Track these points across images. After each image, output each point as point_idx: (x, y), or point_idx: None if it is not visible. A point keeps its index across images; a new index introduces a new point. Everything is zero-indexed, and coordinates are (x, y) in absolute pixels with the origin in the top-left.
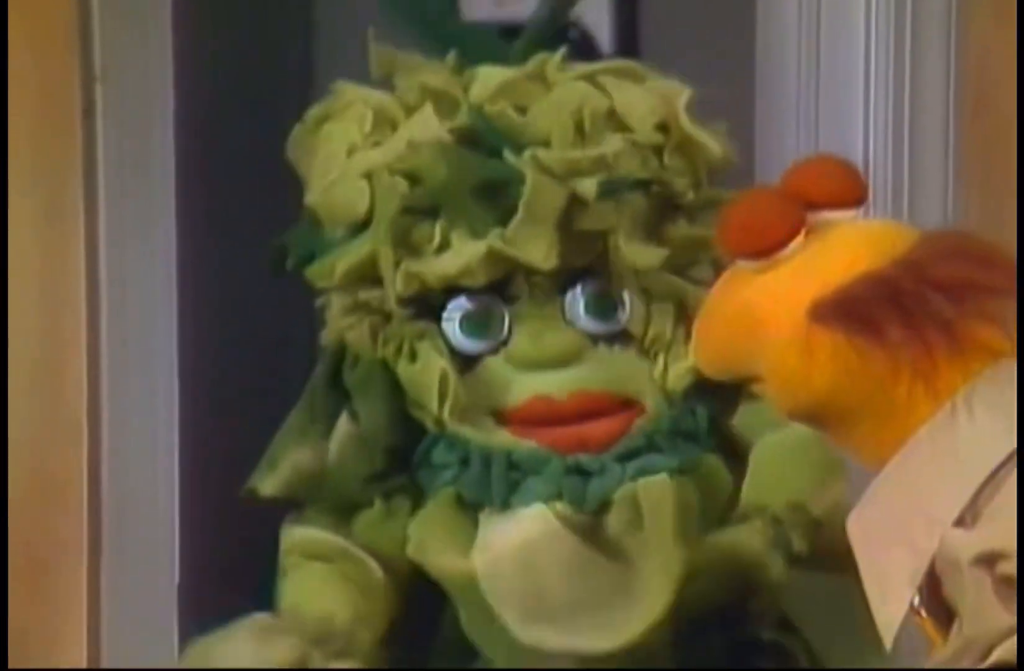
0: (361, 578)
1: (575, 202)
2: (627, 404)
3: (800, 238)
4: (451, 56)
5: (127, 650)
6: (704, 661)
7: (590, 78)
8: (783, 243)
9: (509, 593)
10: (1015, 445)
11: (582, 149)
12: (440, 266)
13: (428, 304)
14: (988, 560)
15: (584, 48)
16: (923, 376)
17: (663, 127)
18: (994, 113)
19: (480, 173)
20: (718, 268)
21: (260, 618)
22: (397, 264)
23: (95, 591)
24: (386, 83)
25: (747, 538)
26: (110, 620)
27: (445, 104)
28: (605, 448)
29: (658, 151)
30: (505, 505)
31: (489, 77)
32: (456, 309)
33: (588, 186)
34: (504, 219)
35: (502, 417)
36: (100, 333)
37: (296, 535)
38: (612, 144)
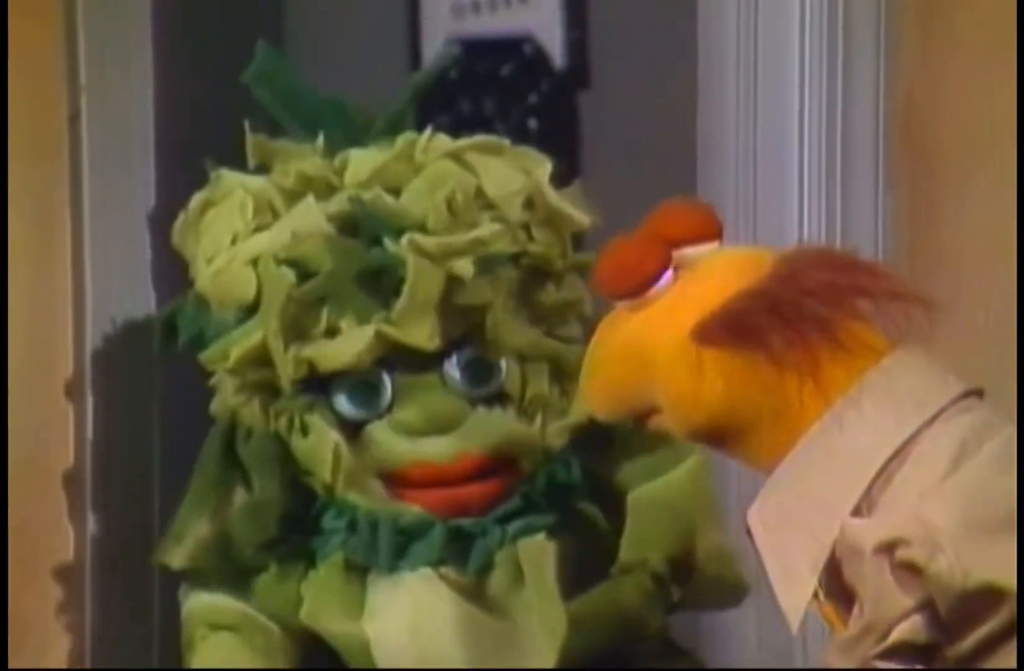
0: (266, 645)
1: (452, 281)
2: (507, 464)
3: (670, 273)
4: (319, 140)
5: (113, 636)
6: None
7: (456, 157)
8: (652, 279)
9: (400, 659)
10: (905, 437)
11: (455, 230)
12: (332, 354)
13: (314, 378)
14: (888, 547)
15: (537, 64)
16: (810, 377)
17: (529, 202)
18: (922, 125)
19: (363, 261)
20: (585, 326)
21: None
22: (286, 349)
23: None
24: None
25: (628, 593)
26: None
27: (321, 190)
28: (485, 511)
29: (525, 225)
30: (393, 569)
31: (362, 162)
32: (341, 382)
33: (465, 266)
34: (386, 302)
35: (388, 480)
36: (85, 338)
37: (198, 603)
38: (488, 227)
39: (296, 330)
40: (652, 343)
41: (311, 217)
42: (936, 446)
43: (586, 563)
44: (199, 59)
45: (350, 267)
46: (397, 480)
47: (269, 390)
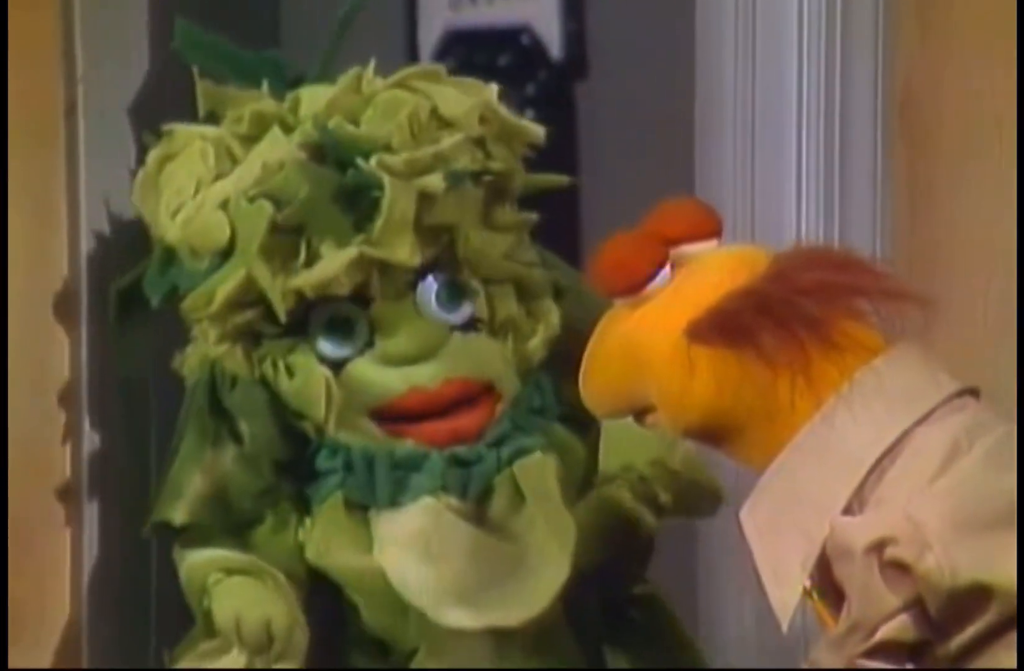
0: (277, 587)
1: (423, 199)
2: (488, 388)
3: (666, 271)
4: (264, 84)
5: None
6: (583, 617)
7: (403, 85)
8: (649, 277)
9: (418, 583)
10: (896, 436)
11: (419, 149)
12: (315, 275)
13: (292, 321)
14: (878, 546)
15: (535, 54)
16: (801, 376)
17: (483, 119)
18: (920, 115)
19: (338, 184)
20: (540, 249)
21: (202, 646)
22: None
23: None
24: (212, 117)
25: (618, 495)
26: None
27: (282, 127)
28: (477, 437)
29: (480, 143)
30: (393, 503)
31: (314, 96)
32: (319, 320)
33: (435, 181)
34: (360, 225)
35: (380, 414)
36: (81, 327)
37: (199, 557)
38: (449, 140)
39: (277, 262)
40: (646, 341)
41: (280, 147)
42: (928, 445)
43: (570, 484)
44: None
45: (326, 190)
46: (387, 413)
47: (250, 336)
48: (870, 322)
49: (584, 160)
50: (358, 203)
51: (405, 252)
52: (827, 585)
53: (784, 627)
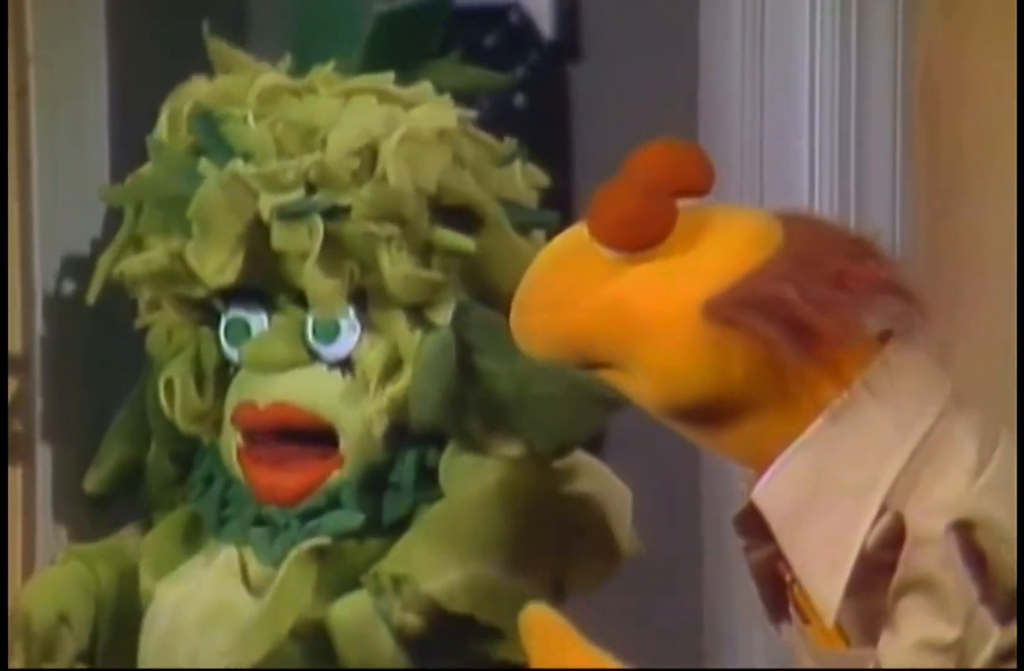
0: (101, 582)
1: (257, 222)
2: (326, 444)
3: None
4: (288, 58)
5: None
6: None
7: (346, 95)
8: (663, 237)
9: (156, 623)
10: (929, 424)
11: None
12: (130, 264)
13: (214, 312)
14: (960, 528)
15: (524, 34)
16: (830, 367)
17: (371, 152)
18: (939, 107)
19: (172, 183)
20: (459, 310)
21: None
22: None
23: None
24: None
25: (348, 607)
26: None
27: (235, 105)
28: (295, 501)
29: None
30: (217, 537)
31: (258, 83)
32: (225, 317)
33: (266, 205)
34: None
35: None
36: (35, 319)
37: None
38: (301, 162)
39: (137, 240)
40: (646, 309)
41: (160, 128)
42: (958, 439)
43: None
44: (156, 26)
45: (160, 182)
46: (239, 428)
47: (177, 316)
48: (882, 312)
49: (577, 148)
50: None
51: (212, 268)
52: (855, 586)
53: (829, 621)
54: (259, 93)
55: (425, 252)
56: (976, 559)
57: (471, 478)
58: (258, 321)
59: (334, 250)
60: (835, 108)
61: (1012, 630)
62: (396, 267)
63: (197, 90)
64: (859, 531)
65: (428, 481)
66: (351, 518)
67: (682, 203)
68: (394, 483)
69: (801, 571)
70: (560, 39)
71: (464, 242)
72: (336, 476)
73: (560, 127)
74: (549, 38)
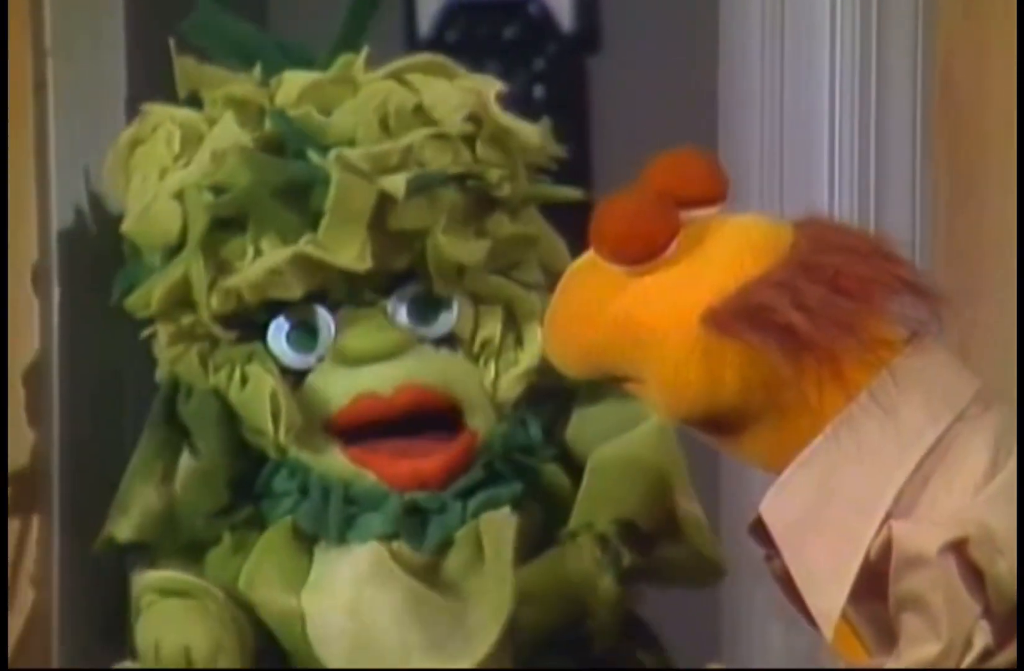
0: (219, 610)
1: (386, 201)
2: (456, 421)
3: (677, 240)
4: (257, 68)
5: None
6: None
7: (397, 76)
8: (665, 248)
9: (336, 639)
10: (938, 434)
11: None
12: (249, 274)
13: (253, 325)
14: (954, 548)
15: (543, 26)
16: (831, 375)
17: (474, 119)
18: (958, 106)
19: (284, 175)
20: (547, 271)
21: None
22: (213, 282)
23: None
24: (196, 99)
25: (573, 559)
26: None
27: (251, 114)
28: (444, 482)
29: (471, 144)
30: (341, 539)
31: (293, 82)
32: (280, 325)
33: (396, 183)
34: (316, 224)
35: (338, 431)
36: (52, 308)
37: (148, 578)
38: (415, 136)
39: (221, 260)
40: (650, 321)
41: (229, 135)
42: (973, 444)
43: (551, 531)
44: (173, 21)
45: (269, 181)
46: (343, 427)
47: (206, 339)
48: (892, 315)
49: (596, 140)
50: (310, 199)
51: (351, 255)
52: (863, 595)
53: (828, 634)
54: (304, 90)
55: (513, 210)
56: (974, 574)
57: (621, 424)
58: (324, 321)
59: (451, 220)
60: (855, 104)
61: (1012, 647)
62: (503, 228)
63: (169, 114)
64: (860, 545)
65: (548, 442)
66: (513, 485)
67: (698, 213)
68: (521, 446)
69: (802, 585)
70: (579, 31)
71: (572, 192)
72: (479, 449)
73: (578, 119)
74: (568, 30)
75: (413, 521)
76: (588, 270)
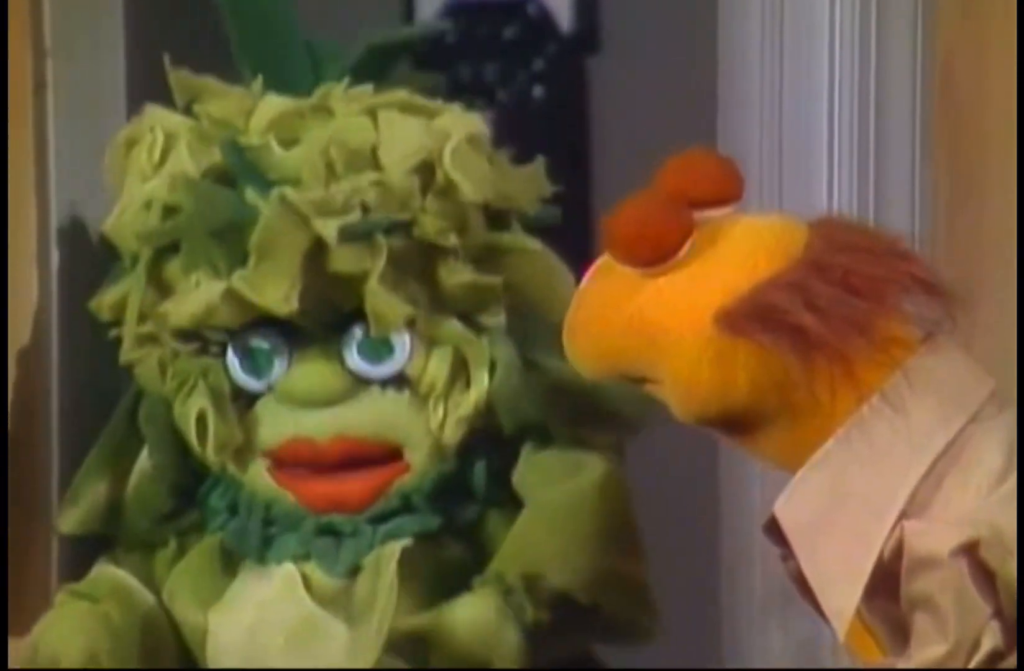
0: (124, 623)
1: (324, 243)
2: (392, 456)
3: (689, 240)
4: (256, 82)
5: None
6: None
7: (371, 112)
8: (678, 249)
9: (232, 658)
10: (952, 435)
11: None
12: (182, 306)
13: (214, 340)
14: (965, 550)
15: (542, 26)
16: (843, 375)
17: (427, 167)
18: (958, 106)
19: (221, 213)
20: (513, 313)
21: None
22: (154, 303)
23: None
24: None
25: (472, 608)
26: None
27: (215, 138)
28: (362, 507)
29: (425, 190)
30: (261, 559)
31: (267, 108)
32: (237, 346)
33: (329, 227)
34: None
35: (274, 461)
36: (51, 314)
37: (93, 573)
38: (360, 181)
39: (161, 280)
40: (664, 322)
41: (183, 160)
42: (986, 445)
43: (471, 573)
44: (173, 22)
45: (208, 214)
46: (278, 460)
47: (168, 346)
48: (907, 315)
49: (596, 141)
50: (244, 236)
51: (276, 296)
52: (877, 595)
53: (841, 634)
54: (273, 118)
55: (478, 258)
56: (985, 576)
57: (564, 473)
58: (279, 351)
59: (394, 266)
60: (855, 104)
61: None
62: (457, 276)
63: (161, 119)
64: (874, 546)
65: (498, 486)
66: (429, 520)
67: (712, 213)
68: (465, 489)
69: (816, 585)
70: (578, 32)
71: (530, 242)
72: (406, 480)
73: (578, 120)
74: (567, 31)
75: (326, 543)
76: (604, 272)
